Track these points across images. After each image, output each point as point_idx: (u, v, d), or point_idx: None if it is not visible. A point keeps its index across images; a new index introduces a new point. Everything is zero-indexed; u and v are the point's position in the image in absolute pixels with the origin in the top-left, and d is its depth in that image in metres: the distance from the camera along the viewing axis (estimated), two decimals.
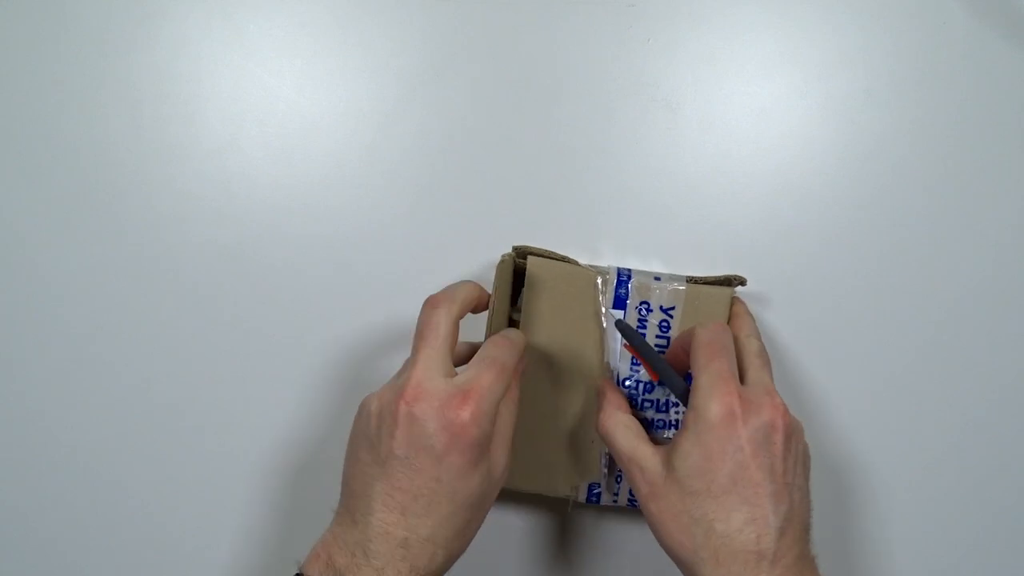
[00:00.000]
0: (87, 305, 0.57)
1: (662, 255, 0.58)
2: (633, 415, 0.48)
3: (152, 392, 0.57)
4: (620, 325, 0.50)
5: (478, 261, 0.56)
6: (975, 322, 0.58)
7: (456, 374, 0.43)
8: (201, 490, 0.57)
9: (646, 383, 0.50)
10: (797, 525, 0.42)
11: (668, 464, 0.42)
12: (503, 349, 0.44)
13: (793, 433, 0.43)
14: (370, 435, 0.42)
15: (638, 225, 0.58)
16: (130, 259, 0.57)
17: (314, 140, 0.58)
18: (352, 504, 0.42)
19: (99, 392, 0.57)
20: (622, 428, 0.46)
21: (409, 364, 0.43)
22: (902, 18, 0.59)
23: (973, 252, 0.58)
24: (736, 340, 0.47)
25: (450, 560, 0.42)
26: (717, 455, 0.41)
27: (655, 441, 0.45)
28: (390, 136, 0.58)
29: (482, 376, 0.42)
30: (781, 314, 0.58)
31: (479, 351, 0.45)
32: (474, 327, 0.51)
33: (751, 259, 0.58)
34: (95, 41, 0.57)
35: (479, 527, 0.44)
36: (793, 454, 0.43)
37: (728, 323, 0.50)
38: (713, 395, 0.41)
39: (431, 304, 0.44)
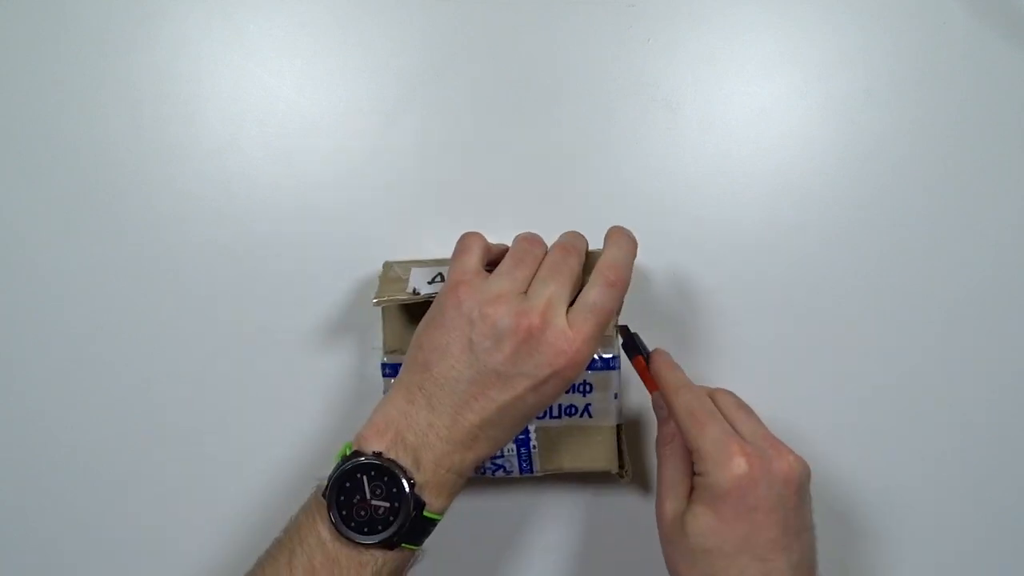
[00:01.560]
0: (87, 305, 0.57)
1: (662, 255, 0.58)
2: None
3: (152, 392, 0.57)
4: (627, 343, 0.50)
5: None
6: (975, 322, 0.58)
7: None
8: (202, 491, 0.57)
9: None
10: (806, 565, 0.43)
11: (677, 519, 0.44)
12: (601, 292, 0.44)
13: (804, 481, 0.44)
14: (472, 337, 0.42)
15: (638, 225, 0.58)
16: (130, 259, 0.57)
17: (314, 140, 0.58)
18: (432, 391, 0.43)
19: (99, 392, 0.57)
20: (675, 460, 0.47)
21: (534, 291, 0.43)
22: (902, 18, 0.59)
23: (973, 252, 0.58)
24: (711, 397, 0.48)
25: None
26: (731, 519, 0.42)
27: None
28: (390, 136, 0.58)
29: (588, 321, 0.43)
30: (781, 314, 0.58)
31: (585, 291, 0.44)
32: None
33: (751, 259, 0.58)
34: (95, 41, 0.57)
35: None
36: (804, 501, 0.44)
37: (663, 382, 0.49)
38: (720, 463, 0.43)
39: (525, 239, 0.47)
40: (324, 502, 0.41)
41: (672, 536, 0.45)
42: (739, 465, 0.42)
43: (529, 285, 0.44)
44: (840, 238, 0.58)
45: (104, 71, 0.57)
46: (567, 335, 0.42)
